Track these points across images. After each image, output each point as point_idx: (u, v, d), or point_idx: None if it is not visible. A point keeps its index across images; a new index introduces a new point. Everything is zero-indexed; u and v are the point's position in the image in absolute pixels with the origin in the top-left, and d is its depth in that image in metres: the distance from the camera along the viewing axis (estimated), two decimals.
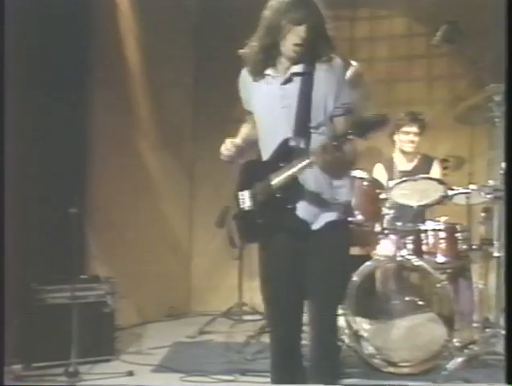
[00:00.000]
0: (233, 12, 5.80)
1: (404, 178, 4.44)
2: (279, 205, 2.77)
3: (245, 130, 3.05)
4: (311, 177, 2.76)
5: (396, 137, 5.04)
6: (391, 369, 4.11)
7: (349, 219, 3.06)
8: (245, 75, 3.00)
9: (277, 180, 2.74)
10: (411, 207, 4.40)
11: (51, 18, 4.45)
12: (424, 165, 4.95)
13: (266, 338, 4.71)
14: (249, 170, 2.93)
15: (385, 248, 4.44)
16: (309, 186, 2.77)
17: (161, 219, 5.81)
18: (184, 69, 6.01)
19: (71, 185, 4.54)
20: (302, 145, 2.73)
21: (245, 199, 2.88)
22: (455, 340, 4.09)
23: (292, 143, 2.76)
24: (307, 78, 2.79)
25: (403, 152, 5.01)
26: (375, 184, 4.40)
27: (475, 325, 4.32)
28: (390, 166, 5.02)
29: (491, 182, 4.28)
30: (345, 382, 3.98)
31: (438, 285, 4.10)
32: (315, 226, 2.81)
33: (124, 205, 5.25)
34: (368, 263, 4.23)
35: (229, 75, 6.00)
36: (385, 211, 4.35)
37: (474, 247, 4.41)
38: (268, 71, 2.86)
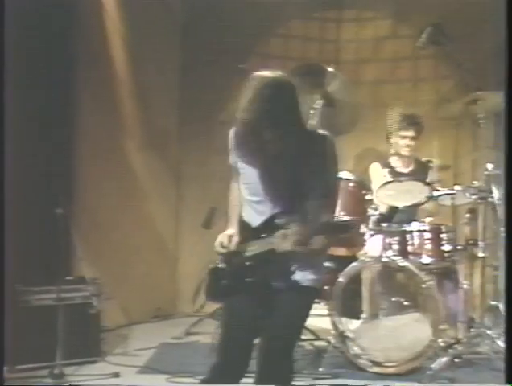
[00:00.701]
0: (220, 13, 5.80)
1: (389, 180, 4.46)
2: (248, 272, 2.81)
3: (234, 196, 3.02)
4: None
5: (393, 140, 5.03)
6: (377, 369, 4.13)
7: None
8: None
9: (251, 250, 2.80)
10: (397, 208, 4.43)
11: (38, 18, 4.42)
12: (421, 168, 4.95)
13: None
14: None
15: (370, 248, 4.46)
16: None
17: (147, 220, 5.80)
18: (170, 70, 5.99)
19: (57, 185, 4.52)
20: (286, 223, 2.70)
21: (223, 257, 2.94)
22: (440, 340, 4.11)
23: (278, 220, 2.76)
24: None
25: (400, 155, 5.01)
26: (361, 185, 4.41)
27: (460, 325, 4.34)
28: (387, 166, 5.02)
29: (476, 183, 4.32)
30: (332, 382, 4.01)
31: (423, 286, 4.12)
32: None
33: (110, 206, 5.24)
34: (354, 264, 4.25)
35: (215, 77, 6.02)
36: (370, 211, 4.37)
37: (459, 247, 4.43)
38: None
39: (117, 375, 4.05)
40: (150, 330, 5.33)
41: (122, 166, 5.47)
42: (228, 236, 2.95)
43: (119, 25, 5.35)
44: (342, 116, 4.67)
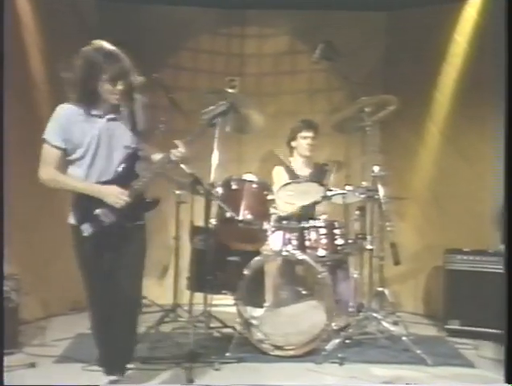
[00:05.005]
0: (134, 26, 5.67)
1: (289, 181, 4.49)
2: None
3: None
4: None
5: (294, 143, 5.09)
6: (278, 352, 4.16)
7: None
8: (75, 112, 3.23)
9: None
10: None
11: None
12: (320, 171, 5.00)
13: (164, 328, 4.63)
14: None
15: (272, 244, 4.46)
16: None
17: (67, 220, 5.56)
18: None
19: None
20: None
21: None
22: (333, 324, 4.17)
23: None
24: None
25: (302, 156, 5.07)
26: (263, 186, 4.41)
27: (351, 309, 4.42)
28: (288, 169, 5.06)
29: (364, 184, 4.43)
30: (237, 365, 3.98)
31: (319, 276, 4.17)
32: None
33: (31, 207, 5.01)
34: (257, 258, 4.26)
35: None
36: (272, 210, 4.37)
37: (350, 241, 4.52)
38: (95, 112, 3.24)
39: (33, 365, 3.89)
40: (68, 322, 5.12)
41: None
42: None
43: (36, 37, 5.11)
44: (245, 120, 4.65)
